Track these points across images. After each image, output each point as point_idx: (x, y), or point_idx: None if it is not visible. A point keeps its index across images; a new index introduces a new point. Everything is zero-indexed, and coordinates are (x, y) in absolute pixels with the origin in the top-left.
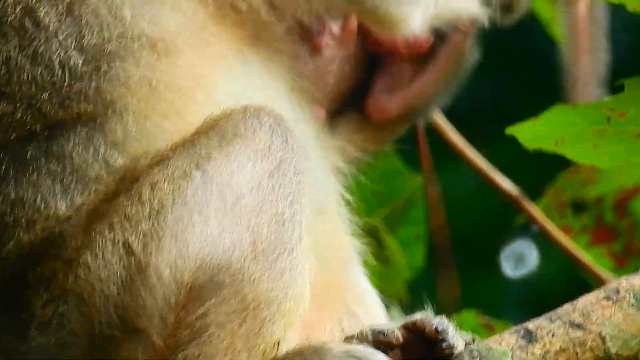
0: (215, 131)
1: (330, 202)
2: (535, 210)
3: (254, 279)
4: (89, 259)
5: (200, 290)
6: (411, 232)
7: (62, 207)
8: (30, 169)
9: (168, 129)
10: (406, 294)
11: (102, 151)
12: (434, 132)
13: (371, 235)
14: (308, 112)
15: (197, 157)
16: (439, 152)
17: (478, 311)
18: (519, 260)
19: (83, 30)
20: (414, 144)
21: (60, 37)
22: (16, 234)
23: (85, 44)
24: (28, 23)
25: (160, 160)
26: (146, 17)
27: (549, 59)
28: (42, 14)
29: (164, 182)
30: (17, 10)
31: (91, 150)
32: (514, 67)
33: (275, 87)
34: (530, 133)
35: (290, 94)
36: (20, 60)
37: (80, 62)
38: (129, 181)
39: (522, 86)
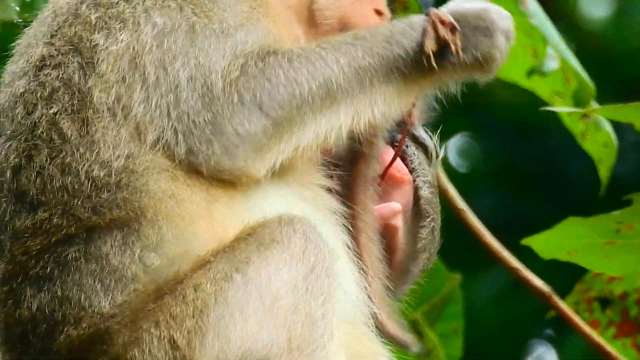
0: (253, 238)
1: (359, 311)
2: (565, 307)
3: None
4: (137, 354)
5: None
6: (450, 326)
7: (105, 305)
8: (72, 269)
9: (201, 234)
10: None
11: (138, 253)
12: (472, 237)
13: (413, 329)
14: (339, 225)
15: (237, 261)
16: (477, 255)
17: None
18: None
19: (98, 146)
20: (452, 245)
21: (82, 150)
22: (65, 329)
23: (102, 159)
24: (54, 135)
25: (202, 264)
26: (141, 143)
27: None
28: (65, 127)
29: (207, 283)
30: (44, 122)
31: (128, 252)
32: (539, 183)
33: (303, 199)
34: (545, 244)
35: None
36: (52, 170)
37: (102, 174)
38: (172, 282)
39: (545, 199)
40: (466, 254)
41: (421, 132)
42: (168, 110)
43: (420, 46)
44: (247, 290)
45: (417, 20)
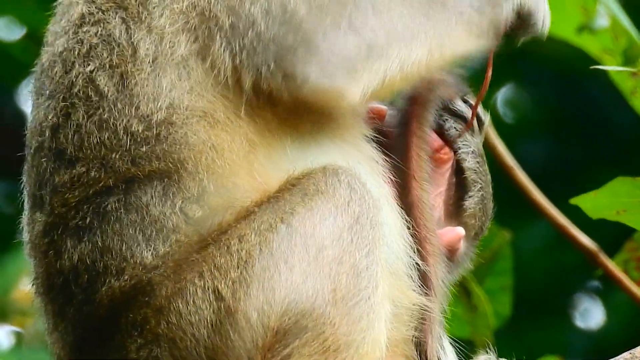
0: (297, 188)
1: (402, 263)
2: (612, 265)
3: (334, 323)
4: (180, 305)
5: (285, 334)
6: (498, 283)
7: (147, 256)
8: (112, 219)
9: (242, 185)
10: (493, 341)
11: (179, 204)
12: (516, 190)
13: (460, 286)
14: (382, 179)
15: (281, 212)
16: (522, 208)
17: (559, 357)
18: (592, 312)
19: (136, 100)
20: (500, 199)
21: (119, 106)
22: (107, 280)
23: (141, 113)
24: (91, 92)
25: (246, 214)
26: (185, 89)
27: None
28: (102, 84)
29: (251, 234)
30: (81, 80)
31: (168, 203)
32: (587, 134)
33: (345, 152)
34: (593, 203)
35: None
36: (89, 127)
37: (141, 128)
38: (215, 233)
39: (593, 151)
40: (514, 209)
41: (459, 104)
42: (253, 47)
43: None
44: (292, 240)
45: None
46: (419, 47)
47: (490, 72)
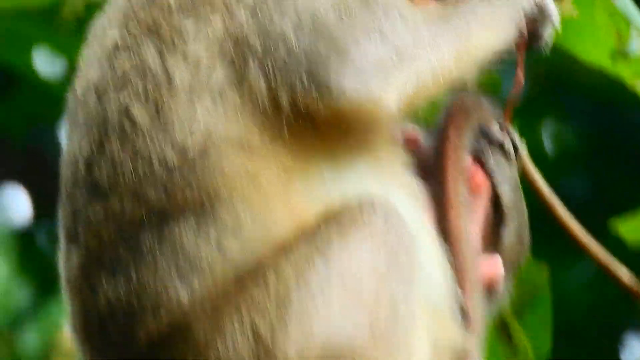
0: (333, 220)
1: (442, 297)
2: None
3: (374, 357)
4: (219, 344)
5: None
6: (537, 318)
7: (183, 293)
8: (147, 256)
9: (279, 216)
10: None
11: (214, 237)
12: (555, 223)
13: (499, 320)
14: (419, 207)
15: (317, 244)
16: (562, 242)
17: None
18: (635, 348)
19: (171, 129)
20: (539, 233)
21: (153, 134)
22: (143, 319)
23: (175, 142)
24: (125, 122)
25: (283, 247)
26: (220, 116)
27: None
28: (135, 113)
29: (289, 268)
30: (114, 109)
31: (203, 236)
32: (629, 164)
33: (382, 180)
34: (634, 226)
35: (399, 192)
36: (122, 157)
37: (175, 158)
38: (252, 267)
39: (635, 181)
40: (554, 243)
41: (496, 132)
42: (286, 62)
43: None
44: (329, 274)
45: None
46: (445, 48)
47: (521, 74)
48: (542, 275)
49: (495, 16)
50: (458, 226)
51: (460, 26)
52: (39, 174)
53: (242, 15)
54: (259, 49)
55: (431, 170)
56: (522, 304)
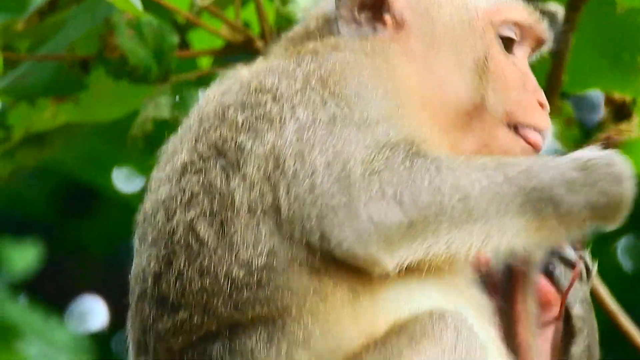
0: (404, 332)
1: None
2: None
3: None
4: None
5: None
6: None
7: None
8: None
9: (348, 329)
10: None
11: (284, 350)
12: (620, 335)
13: None
14: (488, 321)
15: (389, 356)
16: (626, 355)
17: None
18: None
19: (236, 247)
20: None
21: (220, 252)
22: None
23: (241, 259)
24: (192, 240)
25: (354, 358)
26: (283, 238)
27: None
28: (202, 231)
29: None
30: (182, 228)
31: (274, 349)
32: None
33: (450, 296)
34: None
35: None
36: (190, 274)
37: (242, 274)
38: None
39: None
40: (618, 356)
41: (568, 251)
42: (304, 197)
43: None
44: None
45: (562, 163)
46: (475, 231)
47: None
48: None
49: (563, 212)
50: (526, 342)
51: (510, 209)
52: (117, 285)
53: (290, 133)
54: (290, 174)
55: (501, 286)
56: None
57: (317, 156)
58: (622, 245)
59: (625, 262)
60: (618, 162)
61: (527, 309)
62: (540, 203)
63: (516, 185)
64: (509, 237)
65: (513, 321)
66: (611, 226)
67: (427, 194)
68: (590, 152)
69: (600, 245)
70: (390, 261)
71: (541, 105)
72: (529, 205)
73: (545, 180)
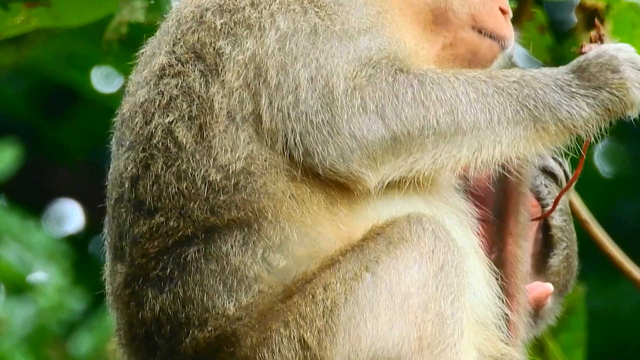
0: (382, 237)
1: (489, 312)
2: None
3: None
4: (266, 355)
5: None
6: (572, 338)
7: (230, 306)
8: (193, 269)
9: (326, 234)
10: None
11: (260, 253)
12: (599, 250)
13: (535, 340)
14: (470, 228)
15: (366, 260)
16: (599, 264)
17: None
18: None
19: (214, 151)
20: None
21: (197, 157)
22: (190, 331)
23: (219, 163)
24: (170, 144)
25: (331, 263)
26: (262, 142)
27: None
28: (180, 135)
29: (337, 283)
30: (160, 131)
31: (249, 252)
32: None
33: (431, 202)
34: None
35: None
36: (168, 178)
37: (219, 177)
38: (300, 282)
39: None
40: (591, 265)
41: (549, 161)
42: (288, 112)
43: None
44: (377, 289)
45: (549, 71)
46: (465, 143)
47: (582, 162)
48: (577, 296)
49: (553, 120)
50: (513, 253)
51: (501, 121)
52: (95, 188)
53: (271, 42)
54: (273, 85)
55: (495, 198)
56: (558, 324)
57: (301, 69)
58: (599, 150)
59: (602, 168)
60: (610, 49)
61: (518, 221)
62: (536, 110)
63: (508, 95)
64: (504, 147)
65: (503, 233)
66: (631, 114)
67: (410, 108)
68: (581, 57)
69: (576, 151)
70: (373, 177)
71: (503, 12)
72: (524, 112)
73: (538, 87)
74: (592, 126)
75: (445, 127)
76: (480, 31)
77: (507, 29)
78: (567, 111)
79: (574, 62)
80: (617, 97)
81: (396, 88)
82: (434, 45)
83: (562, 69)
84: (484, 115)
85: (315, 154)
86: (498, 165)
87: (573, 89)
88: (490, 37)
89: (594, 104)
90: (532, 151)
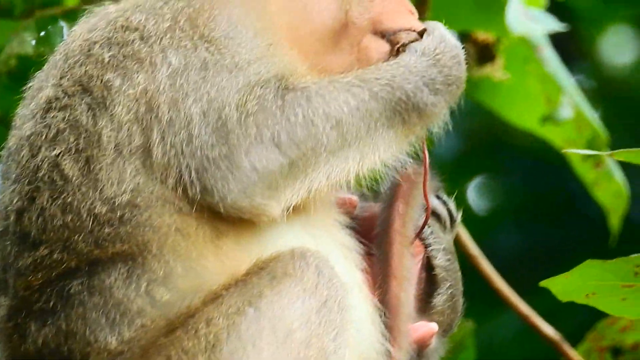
0: (265, 271)
1: (372, 348)
2: (575, 354)
3: None
4: None
5: None
6: None
7: (112, 340)
8: (76, 302)
9: (211, 268)
10: None
11: (144, 287)
12: (481, 280)
13: None
14: (354, 265)
15: (249, 295)
16: (487, 298)
17: None
18: None
19: (100, 184)
20: (465, 291)
21: (83, 189)
22: None
23: (105, 196)
24: (56, 176)
25: (214, 297)
26: (149, 176)
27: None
28: (67, 168)
29: (219, 318)
30: (46, 165)
31: (133, 286)
32: (557, 221)
33: (316, 237)
34: (563, 286)
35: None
36: (53, 210)
37: (104, 210)
38: (183, 317)
39: (563, 237)
40: (479, 299)
41: (433, 200)
42: (182, 148)
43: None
44: (260, 324)
45: (418, 64)
46: (350, 155)
47: (427, 157)
48: (467, 330)
49: (411, 121)
50: (398, 295)
51: (373, 128)
52: None
53: (163, 78)
54: (165, 121)
55: (378, 239)
56: (448, 358)
57: (192, 105)
58: (472, 186)
59: (475, 204)
60: (454, 42)
61: (402, 264)
62: (406, 113)
63: (382, 100)
64: (381, 152)
65: (387, 276)
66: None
67: (301, 129)
68: (432, 41)
69: (451, 188)
70: (276, 207)
71: (410, 12)
72: (396, 117)
73: (408, 88)
74: (441, 120)
75: (334, 142)
76: (383, 36)
77: (417, 23)
78: (430, 110)
79: (431, 52)
80: (457, 91)
81: (287, 111)
82: (338, 64)
83: (424, 61)
84: (364, 123)
85: (215, 190)
86: (380, 171)
87: (437, 87)
88: (399, 32)
89: (450, 98)
90: (402, 151)
